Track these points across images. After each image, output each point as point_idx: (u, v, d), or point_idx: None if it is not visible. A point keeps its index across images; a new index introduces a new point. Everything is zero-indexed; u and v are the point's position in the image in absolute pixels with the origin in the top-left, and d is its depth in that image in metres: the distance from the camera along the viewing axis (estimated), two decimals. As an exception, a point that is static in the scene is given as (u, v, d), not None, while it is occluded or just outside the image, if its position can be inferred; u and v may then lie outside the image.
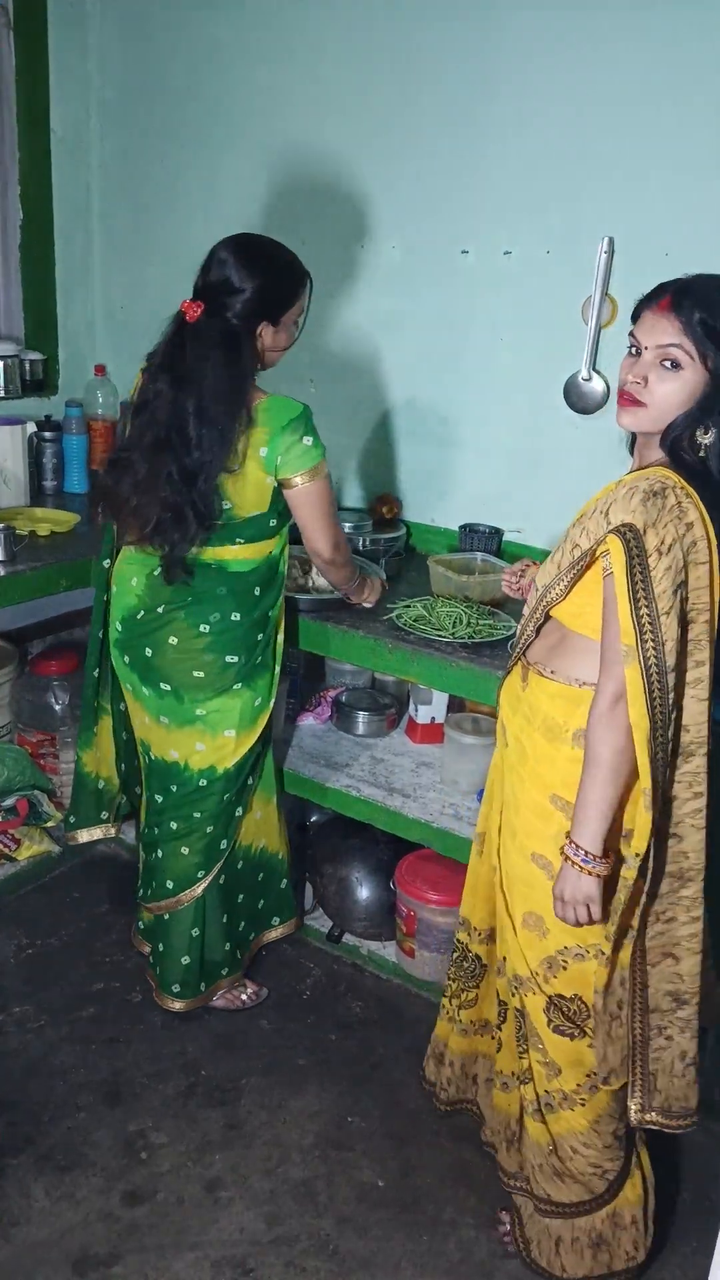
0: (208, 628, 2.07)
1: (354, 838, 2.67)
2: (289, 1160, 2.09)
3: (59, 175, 3.07)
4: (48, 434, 2.95)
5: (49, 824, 2.91)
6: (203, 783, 2.18)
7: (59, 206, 3.09)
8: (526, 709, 1.67)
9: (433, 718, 2.65)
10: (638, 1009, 1.64)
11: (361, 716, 2.69)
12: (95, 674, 2.40)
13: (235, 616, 2.08)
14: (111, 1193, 1.99)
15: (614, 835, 1.58)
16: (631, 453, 1.68)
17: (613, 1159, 1.76)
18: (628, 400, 1.55)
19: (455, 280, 2.62)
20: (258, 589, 2.10)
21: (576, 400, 2.50)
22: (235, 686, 2.11)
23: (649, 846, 1.52)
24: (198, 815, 2.21)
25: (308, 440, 1.99)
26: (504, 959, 1.81)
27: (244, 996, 2.45)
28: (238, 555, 2.06)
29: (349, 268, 2.78)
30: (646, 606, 1.44)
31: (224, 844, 2.26)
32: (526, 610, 1.70)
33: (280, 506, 2.06)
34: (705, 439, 1.50)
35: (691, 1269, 1.92)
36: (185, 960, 2.31)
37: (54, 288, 3.15)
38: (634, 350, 1.56)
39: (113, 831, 2.54)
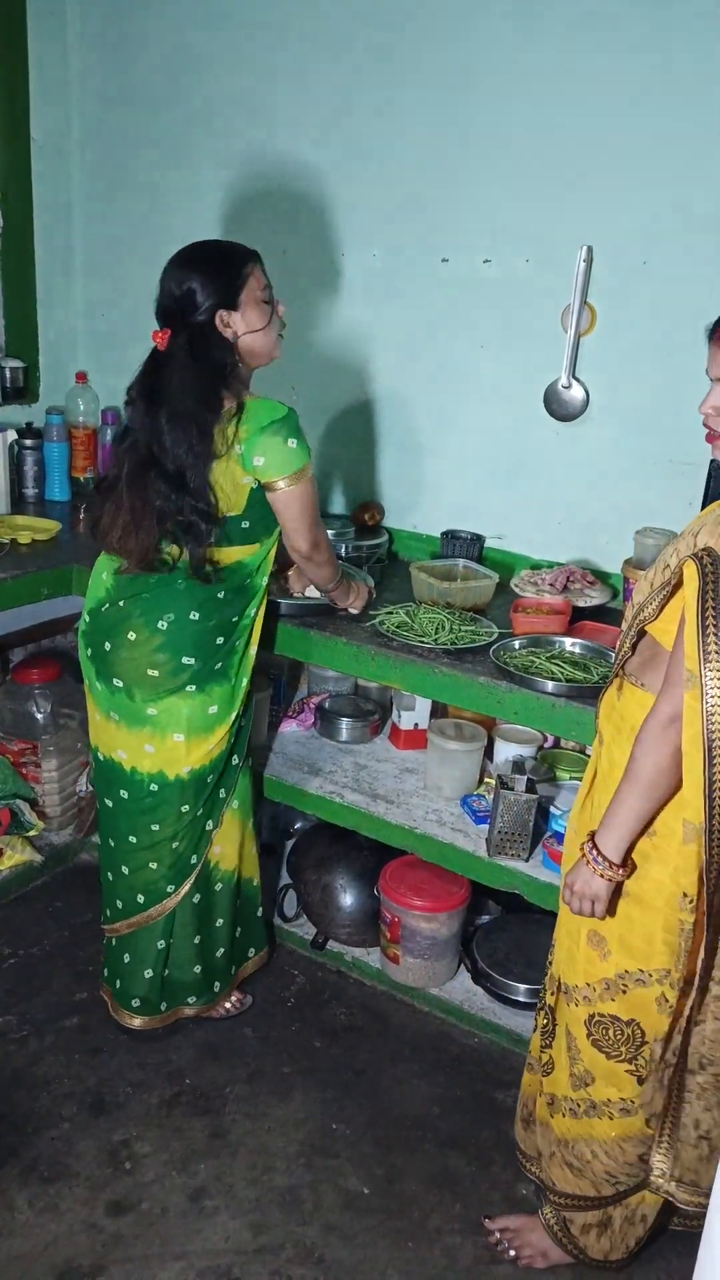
0: (164, 624, 2.05)
1: (337, 844, 2.67)
2: (274, 1168, 2.08)
3: (39, 183, 3.06)
4: (28, 442, 2.94)
5: (31, 833, 2.90)
6: (154, 788, 2.13)
7: (39, 214, 3.09)
8: (618, 718, 1.64)
9: (416, 724, 2.66)
10: (678, 1066, 1.62)
11: (345, 723, 2.70)
12: None
13: (193, 616, 2.05)
14: (96, 1203, 1.98)
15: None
16: None
17: (631, 1175, 1.76)
18: (712, 435, 1.51)
19: (435, 288, 2.63)
20: (222, 592, 2.07)
21: (557, 408, 2.52)
22: (188, 689, 2.08)
23: (703, 889, 1.48)
24: (155, 828, 2.17)
25: (292, 443, 1.97)
26: (551, 959, 1.80)
27: (227, 1005, 2.44)
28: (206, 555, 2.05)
29: (330, 276, 2.78)
30: (716, 635, 1.39)
31: (194, 859, 2.22)
32: (624, 624, 1.66)
33: (256, 512, 2.03)
34: None
35: (676, 1273, 1.93)
36: (148, 974, 2.28)
37: (34, 295, 3.15)
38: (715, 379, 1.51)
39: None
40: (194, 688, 2.08)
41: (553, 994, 1.79)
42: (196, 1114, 2.19)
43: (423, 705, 2.64)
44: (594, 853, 1.58)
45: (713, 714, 1.40)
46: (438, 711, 2.66)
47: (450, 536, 2.69)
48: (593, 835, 1.61)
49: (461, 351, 2.64)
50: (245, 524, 2.04)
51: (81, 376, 3.13)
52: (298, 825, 2.87)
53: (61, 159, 3.12)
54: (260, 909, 2.46)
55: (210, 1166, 2.07)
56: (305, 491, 2.02)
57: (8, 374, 3.08)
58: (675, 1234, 1.96)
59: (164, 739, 2.10)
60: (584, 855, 1.60)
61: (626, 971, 1.64)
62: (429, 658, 2.15)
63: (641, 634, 1.61)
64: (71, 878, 2.94)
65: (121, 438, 2.03)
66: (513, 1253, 1.92)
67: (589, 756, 2.52)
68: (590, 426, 2.50)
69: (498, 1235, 1.95)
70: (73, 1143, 2.10)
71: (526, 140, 2.41)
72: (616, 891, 1.61)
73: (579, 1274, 1.91)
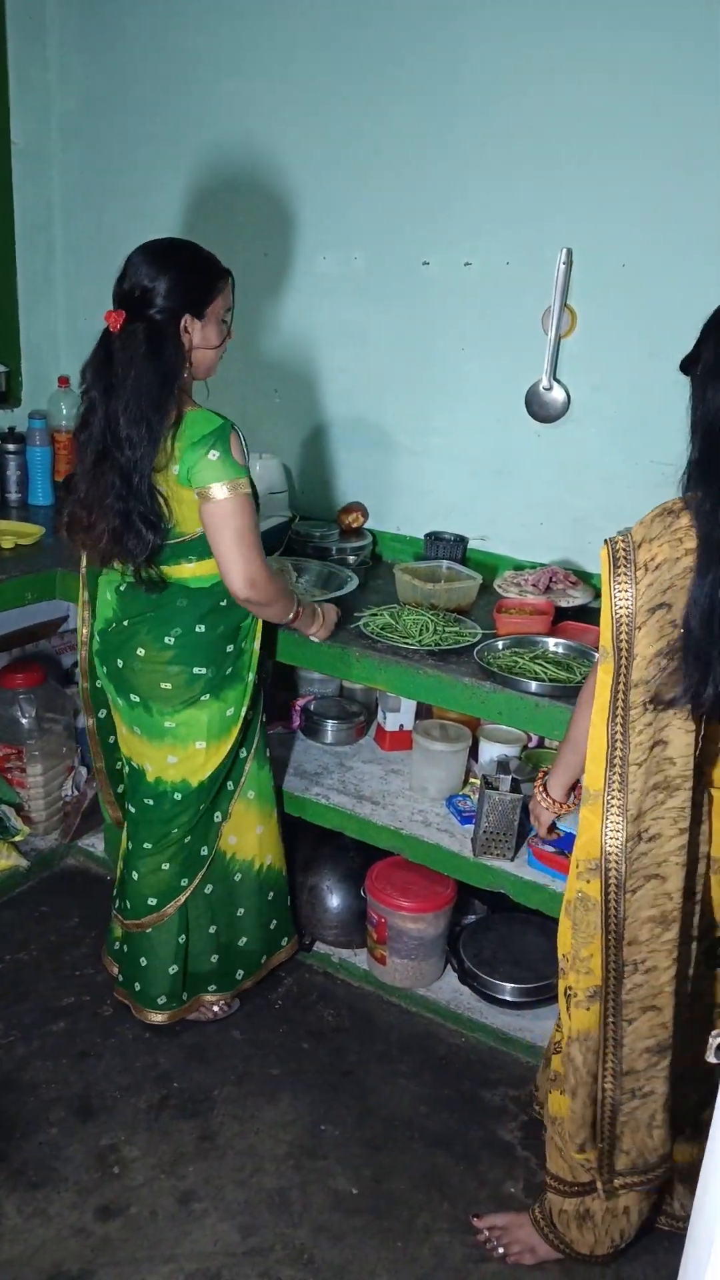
0: (172, 639, 2.07)
1: (323, 846, 2.67)
2: (263, 1170, 2.08)
3: (19, 187, 3.06)
4: (11, 446, 2.94)
5: (16, 838, 2.89)
6: (177, 796, 2.17)
7: (20, 218, 3.08)
8: None
9: (401, 725, 2.66)
10: (609, 1073, 1.64)
11: (330, 725, 2.70)
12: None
13: (199, 629, 2.07)
14: (84, 1208, 1.98)
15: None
16: None
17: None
18: None
19: (417, 291, 2.64)
20: (224, 601, 2.08)
21: (538, 409, 2.53)
22: (203, 698, 2.10)
23: (603, 861, 1.54)
24: (175, 832, 2.20)
25: (213, 455, 1.90)
26: None
27: (215, 1008, 2.44)
28: (195, 572, 2.05)
29: (313, 279, 2.79)
30: (627, 617, 1.47)
31: (204, 851, 2.25)
32: None
33: None
34: None
35: (663, 1268, 1.94)
36: (173, 970, 2.30)
37: (16, 299, 3.14)
38: None
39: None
40: (208, 696, 2.10)
41: None
42: (185, 1117, 2.19)
43: (407, 706, 2.64)
44: (542, 788, 1.93)
45: (617, 689, 1.49)
46: (422, 712, 2.66)
47: (434, 538, 2.70)
48: (546, 773, 1.93)
49: (443, 353, 2.65)
50: None
51: (64, 380, 3.12)
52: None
53: (42, 162, 3.11)
54: (289, 898, 2.49)
55: (199, 1169, 2.07)
56: (232, 510, 1.91)
57: (-11, 378, 3.07)
58: (662, 1233, 1.97)
59: (186, 748, 2.13)
60: (537, 790, 1.94)
61: (566, 954, 1.70)
62: (413, 659, 2.16)
63: None
64: (57, 883, 2.93)
65: (80, 428, 1.98)
66: (501, 1250, 1.93)
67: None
68: (571, 428, 2.52)
69: (486, 1233, 1.96)
70: (60, 1147, 2.10)
71: (507, 143, 2.42)
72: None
73: (567, 1270, 1.92)
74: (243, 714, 2.18)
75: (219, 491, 1.91)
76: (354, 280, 2.73)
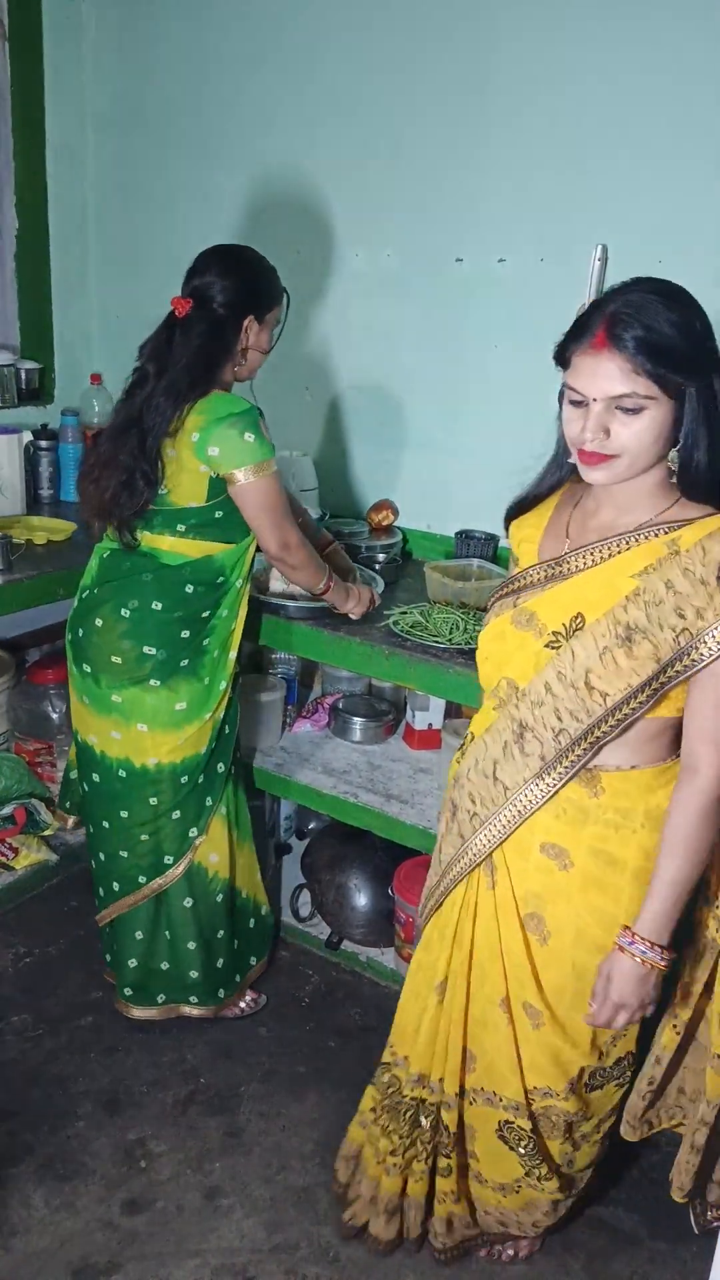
0: (127, 613, 2.08)
1: (352, 844, 2.67)
2: (289, 1167, 2.08)
3: (55, 185, 3.08)
4: (44, 443, 2.95)
5: (46, 832, 2.91)
6: (121, 774, 2.15)
7: (55, 216, 3.11)
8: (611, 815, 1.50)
9: (430, 724, 2.65)
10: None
11: (358, 723, 2.70)
12: None
13: (156, 605, 2.08)
14: (111, 1201, 1.99)
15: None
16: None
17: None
18: (594, 458, 1.39)
19: (450, 288, 2.63)
20: (190, 586, 2.08)
21: (571, 407, 2.51)
22: (150, 682, 2.09)
23: None
24: (125, 815, 2.18)
25: (249, 437, 1.97)
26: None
27: (242, 1004, 2.45)
28: (174, 546, 2.07)
29: (344, 276, 2.79)
30: None
31: (167, 859, 2.20)
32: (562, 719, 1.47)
33: (229, 507, 2.05)
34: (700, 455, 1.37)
35: (691, 1274, 1.92)
36: (132, 964, 2.30)
37: (50, 297, 3.16)
38: (579, 401, 1.39)
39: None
40: (157, 682, 2.09)
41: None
42: (211, 1113, 2.20)
43: (437, 705, 2.64)
44: (652, 947, 1.46)
45: None
46: (452, 711, 2.65)
47: (464, 536, 2.69)
48: (633, 928, 1.48)
49: (475, 351, 2.64)
50: (218, 514, 2.06)
51: (96, 378, 3.14)
52: (311, 825, 2.88)
53: (76, 162, 3.13)
54: (253, 920, 2.42)
55: (225, 1165, 2.08)
56: (266, 487, 2.02)
57: (23, 375, 3.09)
58: (685, 1233, 1.95)
59: (129, 727, 2.12)
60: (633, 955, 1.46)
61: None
62: (443, 657, 2.15)
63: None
64: (86, 877, 2.92)
65: (125, 395, 2.06)
66: (511, 1251, 1.92)
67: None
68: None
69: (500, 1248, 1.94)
70: (88, 1141, 2.11)
71: (542, 138, 2.40)
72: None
73: (589, 1267, 1.90)
74: (204, 717, 2.13)
75: (252, 474, 1.99)
76: (386, 277, 2.73)
